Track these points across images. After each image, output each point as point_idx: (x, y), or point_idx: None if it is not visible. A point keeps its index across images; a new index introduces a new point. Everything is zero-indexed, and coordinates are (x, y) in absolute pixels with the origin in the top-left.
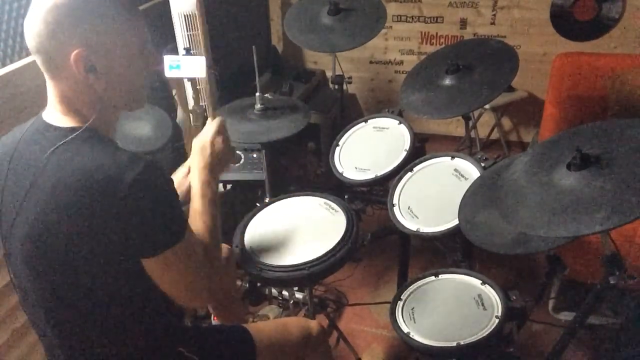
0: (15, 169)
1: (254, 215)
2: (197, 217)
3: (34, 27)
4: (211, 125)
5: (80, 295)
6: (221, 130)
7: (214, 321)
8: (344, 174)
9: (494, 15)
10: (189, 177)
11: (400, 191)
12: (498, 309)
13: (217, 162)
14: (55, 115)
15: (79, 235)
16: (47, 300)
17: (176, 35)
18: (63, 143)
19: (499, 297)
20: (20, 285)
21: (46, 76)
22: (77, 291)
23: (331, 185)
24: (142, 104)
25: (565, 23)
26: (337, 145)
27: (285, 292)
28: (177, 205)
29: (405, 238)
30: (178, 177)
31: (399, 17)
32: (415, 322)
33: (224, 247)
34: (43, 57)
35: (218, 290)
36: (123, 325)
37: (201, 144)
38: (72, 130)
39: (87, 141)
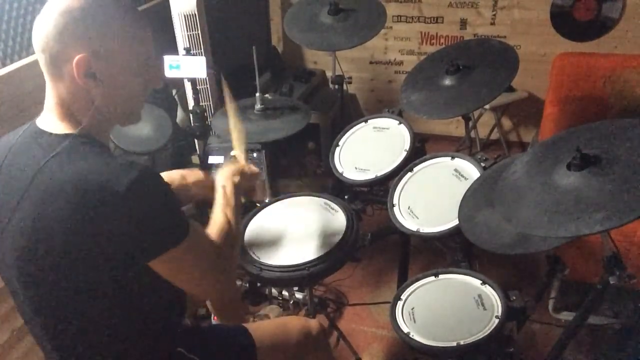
0: (7, 177)
1: (254, 215)
2: (219, 209)
3: (43, 27)
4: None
5: (74, 301)
6: (240, 172)
7: (214, 321)
8: (344, 174)
9: (494, 15)
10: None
11: (400, 191)
12: (498, 309)
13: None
14: (50, 120)
15: (73, 243)
16: (42, 306)
17: (176, 35)
18: (58, 151)
19: (499, 297)
20: (13, 291)
21: (46, 76)
22: (73, 297)
23: (331, 185)
24: (136, 120)
25: (565, 23)
26: (337, 145)
27: (285, 292)
28: (175, 207)
29: (405, 238)
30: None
31: (399, 17)
32: (415, 322)
33: None
34: (46, 57)
35: (231, 283)
36: (122, 326)
37: (222, 182)
38: (65, 136)
39: (80, 147)
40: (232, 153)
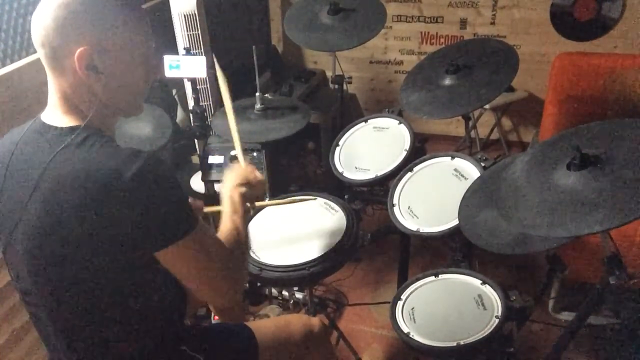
0: (15, 172)
1: (255, 215)
2: (227, 218)
3: (42, 21)
4: (238, 174)
5: (83, 296)
6: (247, 181)
7: (214, 320)
8: (344, 174)
9: (494, 15)
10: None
11: (400, 191)
12: (498, 309)
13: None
14: (54, 114)
15: (82, 234)
16: (49, 301)
17: (176, 35)
18: (65, 145)
19: (499, 297)
20: (22, 287)
21: (47, 71)
22: (79, 291)
23: (331, 185)
24: (139, 111)
25: (565, 23)
26: (337, 145)
27: (285, 292)
28: (182, 196)
29: (405, 238)
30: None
31: (399, 17)
32: (415, 322)
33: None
34: (47, 51)
35: (239, 290)
36: (126, 324)
37: (229, 192)
38: (71, 129)
39: (87, 140)
40: (233, 153)
